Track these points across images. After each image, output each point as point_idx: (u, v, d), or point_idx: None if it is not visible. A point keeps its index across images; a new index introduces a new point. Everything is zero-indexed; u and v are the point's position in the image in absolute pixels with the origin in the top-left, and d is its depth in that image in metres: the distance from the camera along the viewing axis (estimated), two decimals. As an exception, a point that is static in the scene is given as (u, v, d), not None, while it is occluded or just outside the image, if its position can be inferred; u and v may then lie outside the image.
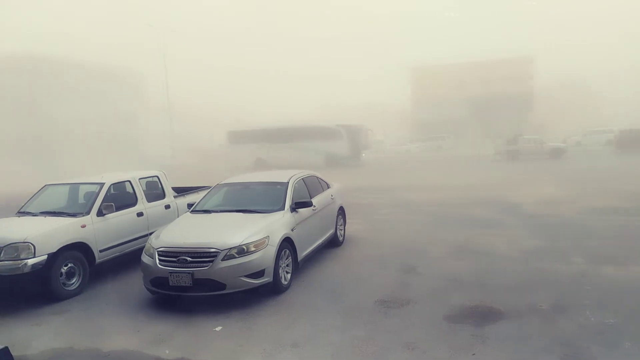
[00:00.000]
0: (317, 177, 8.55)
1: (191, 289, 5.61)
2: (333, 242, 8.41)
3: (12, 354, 4.36)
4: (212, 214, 6.92)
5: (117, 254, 7.32)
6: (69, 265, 6.47)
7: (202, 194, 8.55)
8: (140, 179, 8.15)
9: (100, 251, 6.97)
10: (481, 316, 5.16)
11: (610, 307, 5.20)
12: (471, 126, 51.21)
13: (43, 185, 7.95)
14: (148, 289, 6.03)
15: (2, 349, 4.31)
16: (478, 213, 11.47)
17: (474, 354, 4.30)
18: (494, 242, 8.34)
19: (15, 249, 5.99)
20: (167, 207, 8.43)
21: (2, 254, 5.96)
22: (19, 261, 5.93)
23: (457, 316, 5.18)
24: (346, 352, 4.50)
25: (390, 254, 7.97)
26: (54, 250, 6.23)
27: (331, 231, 8.29)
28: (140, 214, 7.79)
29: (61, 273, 6.35)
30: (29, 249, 6.01)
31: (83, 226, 6.76)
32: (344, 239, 8.89)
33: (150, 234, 7.07)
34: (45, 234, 6.29)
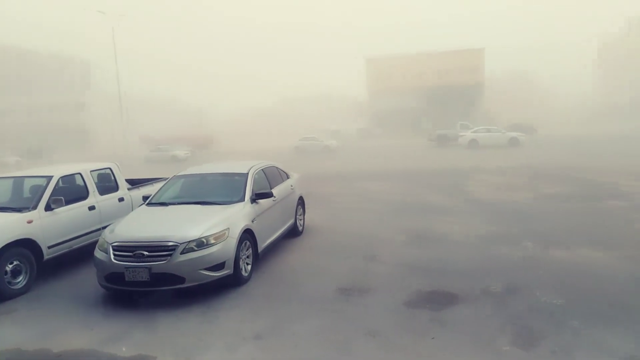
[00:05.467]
0: (276, 168, 8.48)
1: (149, 284, 5.44)
2: (293, 232, 8.39)
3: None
4: (170, 206, 6.73)
5: (67, 249, 6.99)
6: (15, 263, 6.13)
7: (158, 185, 8.30)
8: (91, 171, 7.79)
9: (49, 247, 6.63)
10: (439, 301, 5.30)
11: (558, 288, 5.46)
12: (427, 115, 52.45)
13: (-16, 179, 7.47)
14: (102, 285, 5.80)
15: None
16: (434, 200, 11.76)
17: (433, 338, 4.41)
18: (451, 229, 8.59)
19: (-46, 247, 5.61)
20: (121, 199, 8.12)
21: (-61, 253, 5.57)
22: (-41, 260, 5.56)
23: (416, 302, 5.30)
24: (310, 342, 4.50)
25: (350, 242, 8.04)
26: (-2, 247, 5.87)
27: (291, 221, 8.27)
28: (92, 208, 7.47)
29: (6, 272, 6.00)
30: (-31, 247, 5.64)
31: (29, 221, 6.41)
32: (303, 228, 8.89)
33: (104, 228, 6.80)
34: (-13, 231, 5.91)
